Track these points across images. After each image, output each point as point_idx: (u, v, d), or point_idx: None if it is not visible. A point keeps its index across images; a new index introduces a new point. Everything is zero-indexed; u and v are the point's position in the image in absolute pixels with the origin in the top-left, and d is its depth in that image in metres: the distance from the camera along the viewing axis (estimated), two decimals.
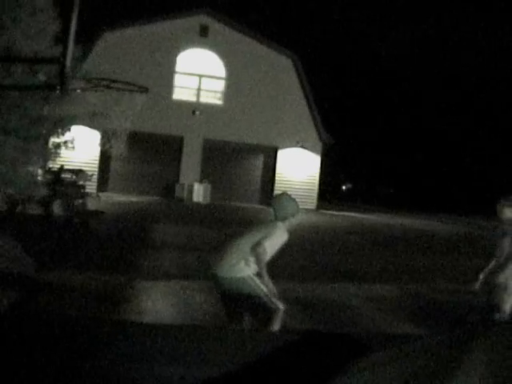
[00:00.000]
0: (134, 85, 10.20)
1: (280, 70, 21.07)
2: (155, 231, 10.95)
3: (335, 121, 25.46)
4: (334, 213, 21.03)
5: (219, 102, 21.18)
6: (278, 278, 6.95)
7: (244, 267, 3.82)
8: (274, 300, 3.76)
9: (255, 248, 3.80)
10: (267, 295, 3.77)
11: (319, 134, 21.49)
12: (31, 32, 8.45)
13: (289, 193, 4.22)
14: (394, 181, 40.52)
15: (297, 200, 4.09)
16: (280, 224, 3.96)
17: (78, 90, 9.33)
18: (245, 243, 3.88)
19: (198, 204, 19.30)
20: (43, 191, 10.74)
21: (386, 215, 22.11)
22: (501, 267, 4.39)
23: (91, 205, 12.22)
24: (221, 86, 21.18)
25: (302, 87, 21.30)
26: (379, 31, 56.30)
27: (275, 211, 4.03)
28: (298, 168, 21.32)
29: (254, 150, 21.75)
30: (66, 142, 11.48)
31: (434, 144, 37.29)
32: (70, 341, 1.22)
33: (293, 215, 4.02)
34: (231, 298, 3.85)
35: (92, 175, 13.93)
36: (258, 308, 3.79)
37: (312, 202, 21.11)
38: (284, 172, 21.05)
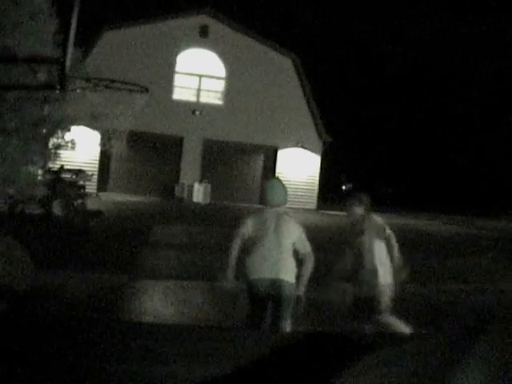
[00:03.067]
0: (134, 85, 10.18)
1: (280, 70, 21.07)
2: (155, 231, 10.95)
3: (335, 121, 25.44)
4: (334, 213, 21.02)
5: (219, 102, 21.17)
6: None
7: (294, 273, 3.84)
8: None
9: (310, 253, 3.93)
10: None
11: (319, 134, 21.49)
12: (31, 32, 8.44)
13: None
14: (395, 181, 40.53)
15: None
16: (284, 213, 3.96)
17: (78, 90, 9.32)
18: (288, 245, 3.86)
19: (198, 204, 19.30)
20: (43, 191, 10.74)
21: (386, 215, 22.09)
22: (370, 265, 4.37)
23: (91, 205, 12.21)
24: (221, 86, 21.18)
25: (302, 87, 21.30)
26: (379, 31, 56.30)
27: (272, 197, 3.97)
28: (298, 168, 21.31)
29: (254, 149, 21.74)
30: (66, 143, 11.48)
31: (434, 144, 37.29)
32: (71, 340, 1.22)
33: (286, 202, 4.03)
34: (264, 302, 3.79)
35: (92, 175, 13.92)
36: (281, 317, 3.78)
37: (312, 201, 21.11)
38: (284, 172, 21.03)
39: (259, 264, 3.79)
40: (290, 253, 3.87)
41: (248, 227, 3.90)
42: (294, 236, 3.90)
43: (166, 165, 20.89)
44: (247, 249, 3.90)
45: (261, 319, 3.82)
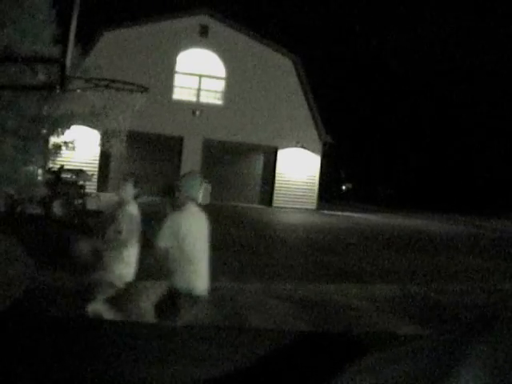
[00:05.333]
0: (133, 84, 10.19)
1: (280, 70, 21.07)
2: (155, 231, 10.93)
3: (335, 121, 25.44)
4: (334, 213, 21.02)
5: (219, 102, 21.18)
6: (278, 277, 6.96)
7: None
8: None
9: None
10: None
11: (319, 133, 21.49)
12: (31, 32, 8.44)
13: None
14: (395, 181, 40.54)
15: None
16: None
17: (78, 90, 9.32)
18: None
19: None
20: (43, 191, 10.74)
21: (386, 215, 22.10)
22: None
23: (91, 205, 12.21)
24: (221, 86, 21.19)
25: (302, 87, 21.31)
26: (380, 30, 56.32)
27: (187, 190, 3.75)
28: (298, 168, 21.30)
29: (253, 149, 21.74)
30: (66, 142, 11.48)
31: (434, 144, 37.31)
32: (71, 341, 1.22)
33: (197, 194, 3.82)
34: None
35: (92, 175, 13.93)
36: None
37: (312, 202, 21.09)
38: (284, 172, 21.04)
39: (203, 274, 3.70)
40: None
41: (185, 227, 3.66)
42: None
43: (166, 165, 20.90)
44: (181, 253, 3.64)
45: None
